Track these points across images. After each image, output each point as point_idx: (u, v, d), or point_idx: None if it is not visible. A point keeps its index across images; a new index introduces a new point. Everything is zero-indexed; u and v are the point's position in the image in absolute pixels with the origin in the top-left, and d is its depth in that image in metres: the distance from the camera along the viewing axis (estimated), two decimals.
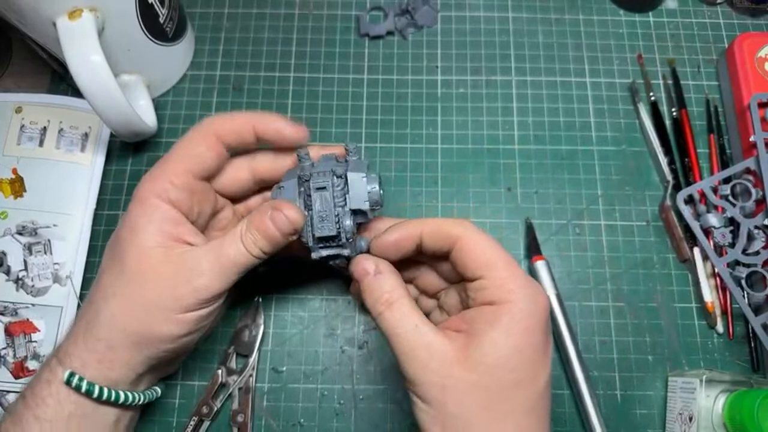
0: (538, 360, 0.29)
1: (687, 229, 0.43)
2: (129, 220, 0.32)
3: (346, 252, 0.32)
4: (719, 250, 0.42)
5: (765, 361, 0.41)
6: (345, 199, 0.32)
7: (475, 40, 0.50)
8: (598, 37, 0.50)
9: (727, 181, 0.43)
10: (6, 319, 0.41)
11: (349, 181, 0.32)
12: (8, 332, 0.40)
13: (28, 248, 0.42)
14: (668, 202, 0.44)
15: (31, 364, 0.40)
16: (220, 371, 0.40)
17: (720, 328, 0.42)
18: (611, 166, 0.46)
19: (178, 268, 0.31)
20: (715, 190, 0.42)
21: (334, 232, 0.31)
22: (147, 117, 0.44)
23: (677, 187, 0.44)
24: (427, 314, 0.35)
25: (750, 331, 0.41)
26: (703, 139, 0.47)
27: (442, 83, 0.49)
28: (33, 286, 0.41)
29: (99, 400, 0.31)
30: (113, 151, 0.46)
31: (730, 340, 0.42)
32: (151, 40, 0.42)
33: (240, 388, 0.40)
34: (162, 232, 0.31)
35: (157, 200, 0.32)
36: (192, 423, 0.39)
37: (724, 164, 0.45)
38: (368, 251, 0.33)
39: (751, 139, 0.42)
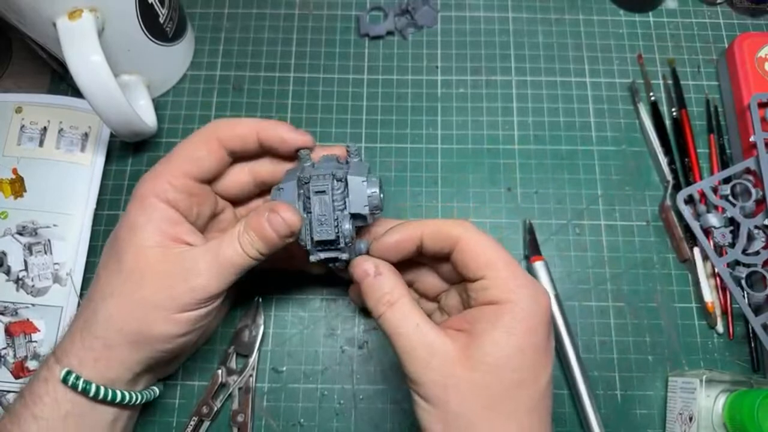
0: (539, 359, 0.29)
1: (687, 229, 0.43)
2: (128, 219, 0.32)
3: (344, 256, 0.32)
4: (719, 250, 0.42)
5: (765, 361, 0.41)
6: (345, 202, 0.32)
7: (475, 40, 0.50)
8: (598, 37, 0.50)
9: (727, 181, 0.43)
10: (6, 319, 0.41)
11: (349, 184, 0.32)
12: (8, 332, 0.40)
13: (29, 248, 0.42)
14: (668, 202, 0.44)
15: (31, 364, 0.40)
16: (220, 371, 0.40)
17: (720, 328, 0.42)
18: (611, 166, 0.46)
19: (175, 267, 0.31)
20: (715, 190, 0.42)
21: (332, 236, 0.31)
22: (147, 117, 0.44)
23: (677, 187, 0.44)
24: (428, 316, 0.35)
25: (750, 331, 0.41)
26: (703, 139, 0.47)
27: (442, 83, 0.49)
28: (33, 286, 0.41)
29: (96, 399, 0.31)
30: (113, 151, 0.46)
31: (730, 340, 0.42)
32: (151, 40, 0.42)
33: (240, 388, 0.40)
34: (160, 231, 0.31)
35: (155, 200, 0.32)
36: (192, 423, 0.39)
37: (724, 164, 0.45)
38: (368, 253, 0.33)
39: (751, 139, 0.42)
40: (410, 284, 0.36)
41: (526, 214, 0.45)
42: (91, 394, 0.31)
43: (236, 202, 0.38)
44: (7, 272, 0.41)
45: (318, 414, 0.40)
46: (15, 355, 0.40)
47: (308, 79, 0.48)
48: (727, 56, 0.47)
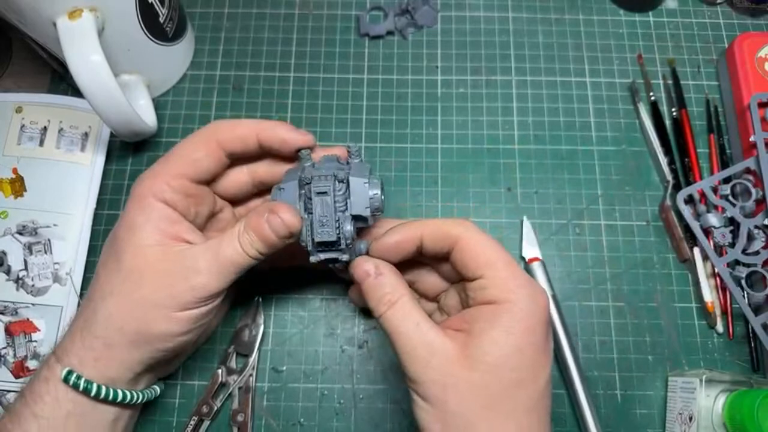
0: (538, 359, 0.29)
1: (687, 229, 0.43)
2: (127, 219, 0.32)
3: (345, 257, 0.32)
4: (719, 250, 0.42)
5: (765, 361, 0.41)
6: (346, 204, 0.32)
7: (475, 40, 0.50)
8: (598, 37, 0.50)
9: (727, 181, 0.43)
10: (6, 319, 0.41)
11: (351, 186, 0.31)
12: (8, 332, 0.40)
13: (29, 248, 0.42)
14: (668, 202, 0.44)
15: (31, 364, 0.40)
16: (220, 371, 0.40)
17: (720, 328, 0.42)
18: (611, 166, 0.46)
19: (175, 265, 0.31)
20: (715, 190, 0.42)
21: (334, 238, 0.31)
22: (147, 117, 0.44)
23: (677, 187, 0.44)
24: (428, 316, 0.35)
25: (750, 331, 0.41)
26: (703, 139, 0.47)
27: (442, 83, 0.49)
28: (33, 285, 0.41)
29: (97, 398, 0.31)
30: (113, 151, 0.46)
31: (730, 340, 0.42)
32: (151, 40, 0.42)
33: (240, 388, 0.40)
34: (160, 230, 0.31)
35: (153, 199, 0.32)
36: (192, 422, 0.39)
37: (724, 164, 0.45)
38: (367, 254, 0.33)
39: (751, 139, 0.42)
40: (411, 284, 0.36)
41: (526, 214, 0.45)
42: (93, 393, 0.31)
43: (235, 201, 0.38)
44: (7, 272, 0.41)
45: (318, 413, 0.40)
46: (15, 355, 0.40)
47: (308, 79, 0.48)
48: (727, 56, 0.47)
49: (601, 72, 0.49)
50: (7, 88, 0.48)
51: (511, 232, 0.44)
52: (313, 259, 0.32)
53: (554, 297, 0.41)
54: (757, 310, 0.40)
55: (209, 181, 0.35)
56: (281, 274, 0.42)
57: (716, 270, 0.41)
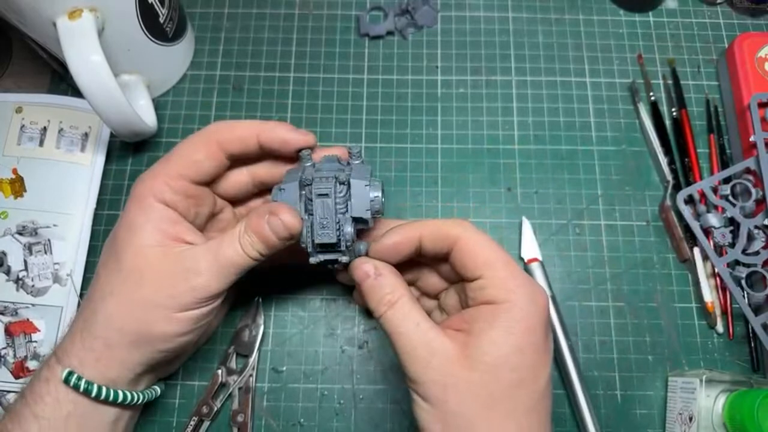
0: (539, 359, 0.29)
1: (687, 229, 0.43)
2: (126, 219, 0.32)
3: (345, 258, 0.32)
4: (719, 250, 0.42)
5: (765, 361, 0.41)
6: (347, 206, 0.32)
7: (475, 40, 0.50)
8: (598, 37, 0.50)
9: (727, 181, 0.43)
10: (6, 319, 0.41)
11: (352, 188, 0.31)
12: (8, 332, 0.40)
13: (28, 248, 0.42)
14: (668, 202, 0.44)
15: (31, 364, 0.40)
16: (220, 371, 0.40)
17: (720, 328, 0.42)
18: (611, 166, 0.46)
19: (176, 266, 0.31)
20: (715, 190, 0.42)
21: (334, 240, 0.31)
22: (147, 117, 0.44)
23: (677, 187, 0.44)
24: (428, 314, 0.35)
25: (750, 331, 0.41)
26: (703, 139, 0.47)
27: (442, 83, 0.49)
28: (33, 286, 0.41)
29: (97, 399, 0.31)
30: (113, 151, 0.46)
31: (730, 340, 0.42)
32: (151, 40, 0.42)
33: (240, 388, 0.40)
34: (160, 230, 0.31)
35: (153, 200, 0.32)
36: (192, 423, 0.39)
37: (724, 164, 0.45)
38: (367, 255, 0.33)
39: (751, 139, 0.42)
40: (412, 283, 0.36)
41: (526, 214, 0.45)
42: (93, 394, 0.31)
43: (235, 201, 0.38)
44: (7, 272, 0.41)
45: (318, 414, 0.40)
46: (15, 355, 0.40)
47: (308, 79, 0.48)
48: (727, 56, 0.47)
49: (601, 72, 0.49)
50: (7, 88, 0.48)
51: (511, 232, 0.44)
52: (312, 260, 0.32)
53: (553, 297, 0.42)
54: (757, 310, 0.40)
55: (209, 182, 0.35)
56: (281, 274, 0.42)
57: (716, 270, 0.41)
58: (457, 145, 0.47)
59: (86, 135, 0.44)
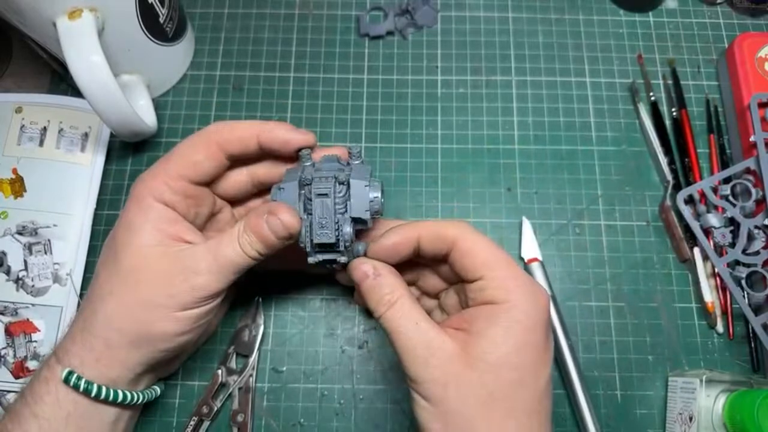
0: (539, 359, 0.29)
1: (687, 229, 0.43)
2: (126, 219, 0.32)
3: (343, 259, 0.32)
4: (719, 250, 0.42)
5: (765, 361, 0.41)
6: (346, 206, 0.32)
7: (475, 40, 0.50)
8: (598, 37, 0.50)
9: (727, 181, 0.43)
10: (6, 319, 0.41)
11: (351, 188, 0.31)
12: (8, 332, 0.40)
13: (28, 248, 0.42)
14: (668, 202, 0.44)
15: (31, 364, 0.40)
16: (220, 371, 0.40)
17: (720, 328, 0.42)
18: (611, 166, 0.46)
19: (175, 266, 0.31)
20: (715, 190, 0.42)
21: (333, 240, 0.31)
22: (147, 117, 0.44)
23: (677, 187, 0.44)
24: (428, 314, 0.35)
25: (750, 331, 0.41)
26: (703, 139, 0.47)
27: (442, 83, 0.49)
28: (33, 286, 0.41)
29: (97, 399, 0.31)
30: (113, 151, 0.46)
31: (730, 340, 0.42)
32: (151, 40, 0.42)
33: (240, 388, 0.40)
34: (159, 230, 0.31)
35: (152, 200, 0.32)
36: (192, 423, 0.39)
37: (724, 164, 0.45)
38: (365, 255, 0.33)
39: (751, 139, 0.42)
40: (412, 283, 0.36)
41: (526, 214, 0.45)
42: (93, 394, 0.31)
43: (234, 201, 0.38)
44: (7, 272, 0.41)
45: (318, 414, 0.40)
46: (15, 355, 0.40)
47: (308, 79, 0.48)
48: (727, 56, 0.47)
49: (601, 72, 0.49)
50: (7, 88, 0.48)
51: (511, 232, 0.44)
52: (311, 259, 0.32)
53: (553, 297, 0.41)
54: (757, 310, 0.40)
55: (209, 183, 0.35)
56: (281, 275, 0.42)
57: (716, 270, 0.41)
58: (457, 145, 0.47)
59: (86, 135, 0.44)
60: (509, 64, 0.49)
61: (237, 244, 0.31)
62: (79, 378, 0.30)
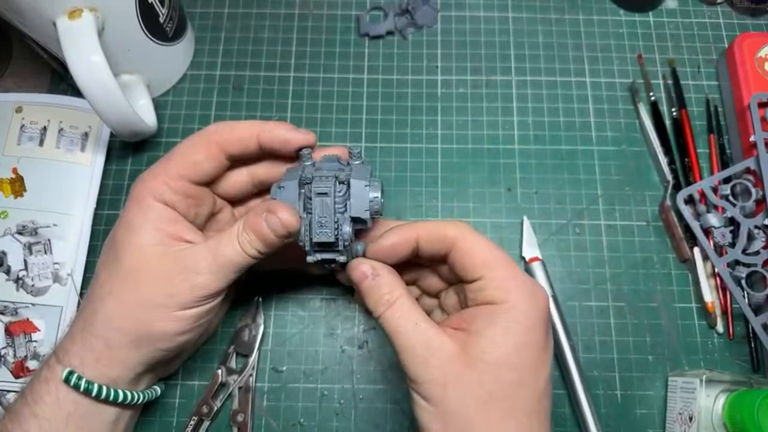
0: (538, 358, 0.29)
1: (687, 229, 0.43)
2: (126, 219, 0.32)
3: (342, 258, 0.32)
4: (719, 250, 0.42)
5: (765, 361, 0.41)
6: (346, 205, 0.32)
7: (475, 40, 0.50)
8: (598, 37, 0.50)
9: (727, 181, 0.43)
10: (6, 319, 0.41)
11: (351, 188, 0.31)
12: (8, 332, 0.40)
13: (28, 248, 0.42)
14: (668, 202, 0.44)
15: (31, 364, 0.40)
16: (220, 371, 0.40)
17: (720, 328, 0.42)
18: (611, 166, 0.46)
19: (175, 265, 0.31)
20: (715, 190, 0.42)
21: (332, 239, 0.31)
22: (147, 117, 0.44)
23: (677, 187, 0.44)
24: (428, 313, 0.35)
25: (750, 331, 0.41)
26: (703, 139, 0.47)
27: (442, 83, 0.49)
28: (33, 285, 0.41)
29: (97, 398, 0.31)
30: (113, 151, 0.46)
31: (730, 340, 0.42)
32: (151, 40, 0.42)
33: (240, 388, 0.40)
34: (159, 230, 0.32)
35: (152, 200, 0.32)
36: (192, 423, 0.39)
37: (724, 164, 0.45)
38: (364, 256, 0.33)
39: (751, 139, 0.42)
40: (412, 282, 0.36)
41: (526, 214, 0.45)
42: (94, 394, 0.31)
43: (234, 201, 0.38)
44: (7, 272, 0.41)
45: (318, 414, 0.40)
46: (15, 355, 0.40)
47: (308, 79, 0.48)
48: (727, 56, 0.47)
49: (601, 72, 0.49)
50: (7, 88, 0.48)
51: (511, 232, 0.44)
52: (310, 259, 0.32)
53: (554, 297, 0.41)
54: (757, 310, 0.40)
55: (209, 183, 0.35)
56: (281, 275, 0.42)
57: (716, 270, 0.41)
58: (457, 145, 0.47)
59: (86, 135, 0.45)
60: (509, 64, 0.49)
61: (236, 243, 0.31)
62: (79, 378, 0.30)
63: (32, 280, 0.41)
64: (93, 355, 0.31)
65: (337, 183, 0.31)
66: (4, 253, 0.42)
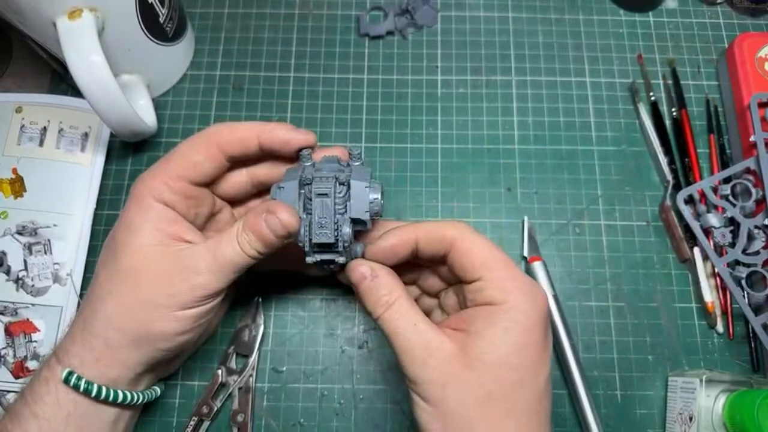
0: (538, 359, 0.29)
1: (687, 229, 0.43)
2: (125, 219, 0.32)
3: (341, 259, 0.32)
4: (719, 250, 0.42)
5: (765, 361, 0.41)
6: (346, 206, 0.32)
7: (475, 40, 0.50)
8: (598, 37, 0.50)
9: (727, 181, 0.43)
10: (6, 319, 0.41)
11: (351, 189, 0.31)
12: (8, 332, 0.40)
13: (28, 248, 0.42)
14: (668, 202, 0.44)
15: (31, 364, 0.40)
16: (220, 371, 0.40)
17: (720, 328, 0.42)
18: (611, 166, 0.46)
19: (175, 265, 0.31)
20: (715, 190, 0.42)
21: (332, 240, 0.31)
22: (147, 117, 0.44)
23: (677, 187, 0.44)
24: (428, 313, 0.35)
25: (750, 331, 0.41)
26: (703, 139, 0.47)
27: (442, 83, 0.49)
28: (33, 286, 0.41)
29: (97, 399, 0.31)
30: (113, 151, 0.46)
31: (730, 340, 0.42)
32: (151, 40, 0.42)
33: (240, 388, 0.40)
34: (159, 230, 0.32)
35: (152, 200, 0.32)
36: (192, 423, 0.39)
37: (724, 164, 0.45)
38: (363, 257, 0.33)
39: (751, 139, 0.42)
40: (412, 282, 0.36)
41: (526, 214, 0.45)
42: (93, 394, 0.31)
43: (234, 202, 0.38)
44: (7, 272, 0.41)
45: (318, 414, 0.40)
46: (15, 355, 0.40)
47: (308, 79, 0.48)
48: (727, 56, 0.47)
49: (601, 72, 0.49)
50: (7, 88, 0.48)
51: (511, 232, 0.44)
52: (309, 259, 0.32)
53: (555, 297, 0.41)
54: (757, 310, 0.40)
55: (209, 184, 0.35)
56: (281, 275, 0.42)
57: (716, 270, 0.41)
58: (457, 145, 0.47)
59: (86, 135, 0.45)
60: (509, 64, 0.49)
61: (236, 244, 0.31)
62: (79, 378, 0.30)
63: (32, 280, 0.41)
64: (93, 355, 0.31)
65: (338, 184, 0.31)
66: (4, 254, 0.42)
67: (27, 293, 0.41)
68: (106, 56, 0.36)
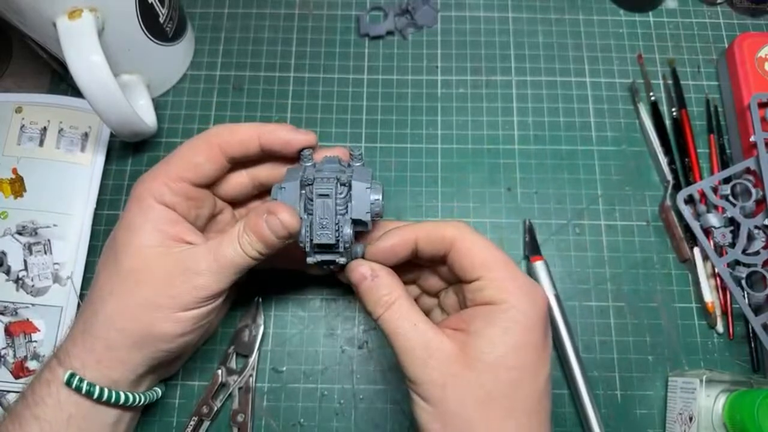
0: (538, 359, 0.29)
1: (687, 229, 0.43)
2: (126, 220, 0.32)
3: (342, 260, 0.32)
4: (719, 250, 0.42)
5: (765, 361, 0.41)
6: (347, 207, 0.32)
7: (475, 40, 0.50)
8: (598, 37, 0.50)
9: (727, 181, 0.43)
10: (6, 319, 0.41)
11: (352, 190, 0.31)
12: (8, 332, 0.40)
13: (28, 248, 0.42)
14: (668, 202, 0.44)
15: (31, 364, 0.40)
16: (220, 371, 0.40)
17: (720, 328, 0.42)
18: (611, 166, 0.46)
19: (176, 266, 0.31)
20: (715, 190, 0.42)
21: (333, 240, 0.31)
22: (147, 117, 0.44)
23: (677, 187, 0.44)
24: (428, 313, 0.35)
25: (750, 331, 0.41)
26: (703, 139, 0.47)
27: (442, 83, 0.49)
28: (33, 286, 0.41)
29: (99, 400, 0.31)
30: (113, 151, 0.46)
31: (730, 340, 0.42)
32: (151, 40, 0.42)
33: (240, 388, 0.40)
34: (159, 231, 0.32)
35: (153, 201, 0.32)
36: (192, 423, 0.39)
37: (724, 164, 0.45)
38: (363, 257, 0.33)
39: (751, 139, 0.42)
40: (412, 281, 0.36)
41: (526, 214, 0.45)
42: (95, 396, 0.31)
43: (235, 203, 0.38)
44: (7, 272, 0.41)
45: (318, 414, 0.40)
46: (15, 355, 0.40)
47: (308, 79, 0.48)
48: (727, 56, 0.47)
49: (601, 72, 0.49)
50: (7, 88, 0.48)
51: (511, 232, 0.44)
52: (310, 260, 0.32)
53: (557, 297, 0.41)
54: (757, 310, 0.40)
55: (209, 185, 0.35)
56: (281, 275, 0.42)
57: (716, 270, 0.41)
58: (457, 145, 0.47)
59: (86, 135, 0.44)
60: (509, 64, 0.49)
61: (237, 244, 0.31)
62: (81, 380, 0.30)
63: (32, 280, 0.41)
64: (94, 356, 0.31)
65: (339, 185, 0.31)
66: (4, 254, 0.42)
67: (27, 293, 0.41)
68: (106, 56, 0.36)
